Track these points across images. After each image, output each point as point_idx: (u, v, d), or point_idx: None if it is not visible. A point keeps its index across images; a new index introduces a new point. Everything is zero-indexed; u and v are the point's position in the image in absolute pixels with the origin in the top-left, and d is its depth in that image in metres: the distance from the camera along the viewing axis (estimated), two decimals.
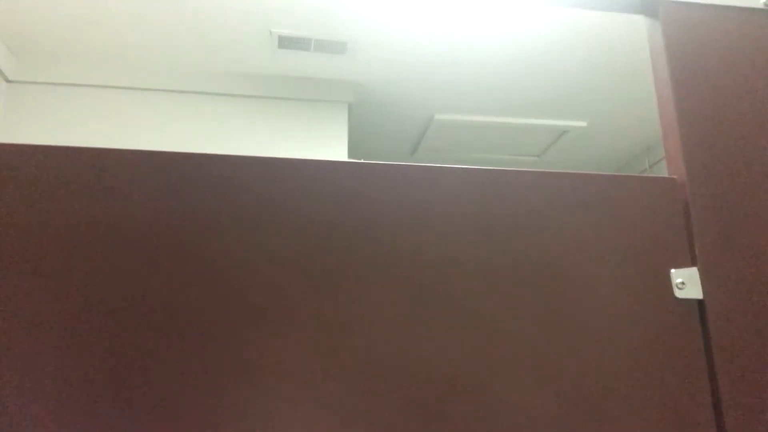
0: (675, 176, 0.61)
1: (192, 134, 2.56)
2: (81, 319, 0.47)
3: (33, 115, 2.48)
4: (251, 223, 0.52)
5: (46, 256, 0.48)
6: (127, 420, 0.45)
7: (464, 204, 0.56)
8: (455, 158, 3.57)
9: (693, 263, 0.57)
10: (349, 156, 3.02)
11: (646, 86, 2.84)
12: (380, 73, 2.73)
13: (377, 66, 2.67)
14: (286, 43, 2.48)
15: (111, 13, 2.32)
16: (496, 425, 0.49)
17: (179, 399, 0.46)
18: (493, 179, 0.58)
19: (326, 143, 2.60)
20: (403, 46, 2.52)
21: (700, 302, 0.56)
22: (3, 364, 0.45)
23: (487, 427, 0.49)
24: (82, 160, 0.51)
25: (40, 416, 0.44)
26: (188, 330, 0.48)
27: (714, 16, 0.68)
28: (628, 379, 0.52)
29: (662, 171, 3.35)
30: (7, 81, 2.48)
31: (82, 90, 2.56)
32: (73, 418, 0.44)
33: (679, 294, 0.56)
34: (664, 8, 0.67)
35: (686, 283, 0.56)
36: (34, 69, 2.53)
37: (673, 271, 0.56)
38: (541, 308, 0.53)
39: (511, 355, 0.51)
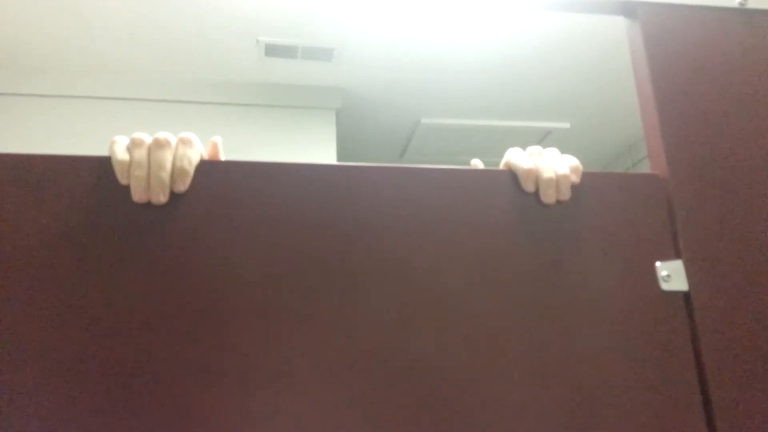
0: (658, 172, 0.63)
1: None
2: (82, 324, 0.47)
3: (20, 128, 2.46)
4: (244, 227, 0.53)
5: (37, 263, 0.49)
6: (127, 421, 0.45)
7: (454, 203, 0.57)
8: (442, 161, 3.59)
9: (678, 256, 0.58)
10: (338, 162, 3.03)
11: (627, 87, 2.88)
12: (367, 79, 2.74)
13: (364, 72, 2.68)
14: (273, 51, 2.49)
15: (96, 24, 2.31)
16: (488, 419, 0.50)
17: (177, 401, 0.46)
18: (481, 179, 0.59)
19: (315, 149, 2.61)
20: (388, 52, 2.54)
21: (685, 294, 0.57)
22: (5, 368, 0.45)
23: (480, 421, 0.50)
24: (72, 167, 0.52)
25: (40, 418, 0.44)
26: (184, 332, 0.48)
27: (691, 15, 0.70)
28: (617, 371, 0.54)
29: (645, 169, 3.39)
30: None
31: (68, 101, 2.54)
32: (69, 420, 0.45)
33: (665, 286, 0.57)
34: (643, 9, 0.69)
35: (672, 275, 0.57)
36: (19, 81, 2.51)
37: (658, 264, 0.58)
38: (531, 304, 0.55)
39: (503, 351, 0.53)
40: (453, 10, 2.31)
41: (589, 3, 0.71)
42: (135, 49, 2.47)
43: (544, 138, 3.36)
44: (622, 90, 2.90)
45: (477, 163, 0.65)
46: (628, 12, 0.71)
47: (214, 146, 0.62)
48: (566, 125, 3.28)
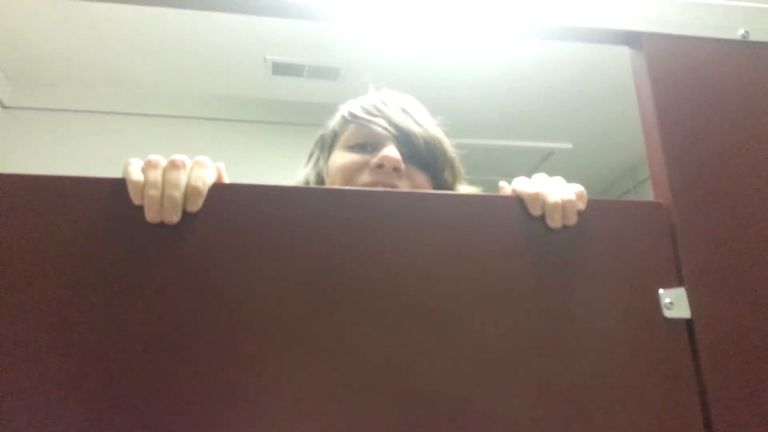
0: (661, 200, 0.64)
1: None
2: (94, 342, 0.48)
3: (29, 142, 2.48)
4: (254, 248, 0.53)
5: (41, 286, 0.49)
6: None
7: (460, 228, 0.58)
8: None
9: (680, 284, 0.59)
10: None
11: (630, 109, 2.90)
12: None
13: (369, 91, 2.71)
14: (280, 69, 2.52)
15: (107, 39, 2.34)
16: None
17: (184, 420, 0.47)
18: (487, 204, 0.60)
19: None
20: (393, 72, 2.57)
21: (688, 321, 0.58)
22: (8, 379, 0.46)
23: None
24: (85, 188, 0.53)
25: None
26: (192, 351, 0.49)
27: (694, 46, 0.71)
28: (619, 397, 0.54)
29: (647, 191, 3.41)
30: (3, 107, 2.48)
31: (78, 116, 2.56)
32: None
33: (667, 314, 0.58)
34: (648, 40, 0.71)
35: (674, 302, 0.58)
36: (30, 95, 2.53)
37: (661, 291, 0.58)
38: (534, 328, 0.55)
39: (506, 376, 0.53)
40: (456, 31, 2.34)
41: (594, 33, 0.72)
42: (144, 64, 2.50)
43: (546, 158, 3.38)
44: (625, 111, 2.92)
45: (504, 185, 0.65)
46: (632, 42, 0.72)
47: (218, 171, 0.62)
48: (569, 146, 3.29)
